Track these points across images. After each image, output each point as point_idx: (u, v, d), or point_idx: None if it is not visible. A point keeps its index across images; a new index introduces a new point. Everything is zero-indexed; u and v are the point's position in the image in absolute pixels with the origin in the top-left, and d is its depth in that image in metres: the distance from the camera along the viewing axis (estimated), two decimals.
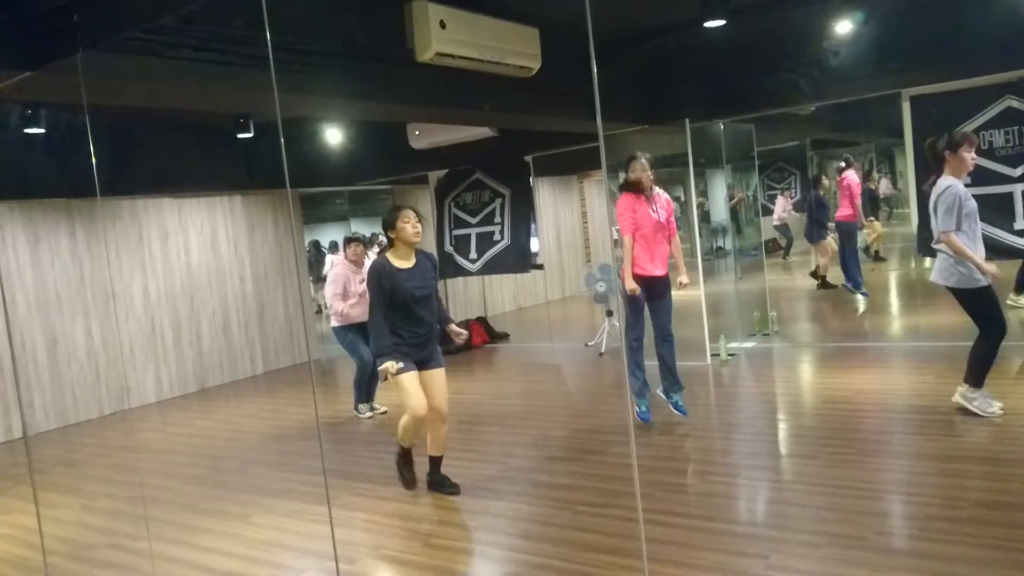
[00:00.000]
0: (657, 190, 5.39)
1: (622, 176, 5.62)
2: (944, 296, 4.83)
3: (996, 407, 4.77)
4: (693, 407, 5.53)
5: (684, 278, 5.48)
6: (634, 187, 5.31)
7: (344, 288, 6.48)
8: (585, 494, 4.34)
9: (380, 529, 4.20)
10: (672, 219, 5.42)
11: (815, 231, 10.10)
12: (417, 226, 4.38)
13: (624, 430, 5.46)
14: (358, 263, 6.56)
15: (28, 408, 7.41)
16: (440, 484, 4.59)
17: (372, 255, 6.80)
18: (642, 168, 5.30)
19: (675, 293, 5.44)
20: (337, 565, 3.69)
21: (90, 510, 5.02)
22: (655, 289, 5.32)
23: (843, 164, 9.96)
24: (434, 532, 4.06)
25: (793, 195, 12.39)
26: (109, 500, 5.20)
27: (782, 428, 5.33)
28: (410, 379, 4.31)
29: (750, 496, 4.17)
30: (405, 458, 4.69)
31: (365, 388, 6.68)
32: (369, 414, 6.66)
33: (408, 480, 4.69)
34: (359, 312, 6.29)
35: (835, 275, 9.94)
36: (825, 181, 10.51)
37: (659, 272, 5.30)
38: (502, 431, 5.92)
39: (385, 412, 6.61)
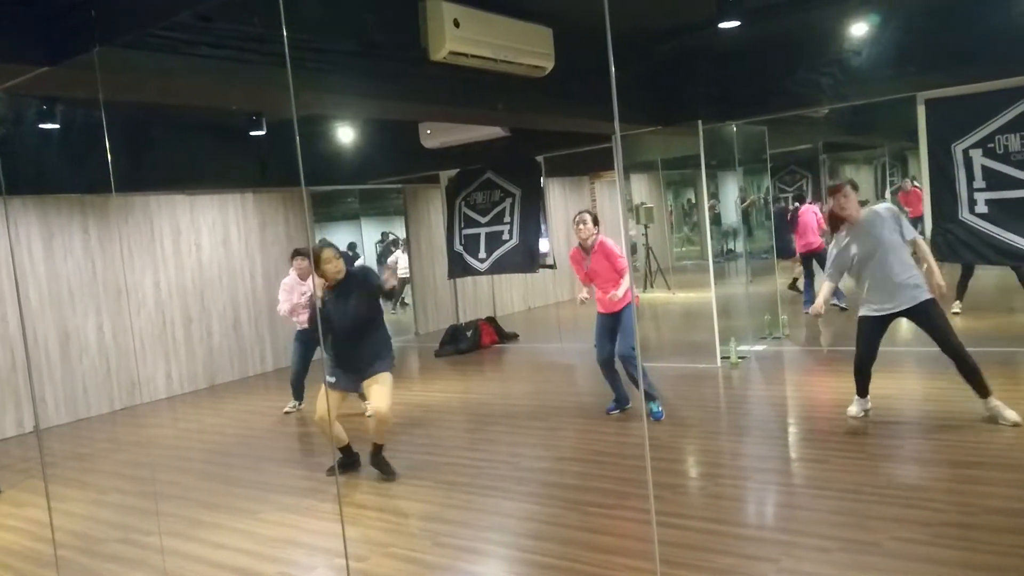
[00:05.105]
0: (601, 240, 5.66)
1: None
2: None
3: (853, 411, 5.18)
4: (703, 409, 5.52)
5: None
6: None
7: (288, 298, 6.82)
8: (595, 495, 4.33)
9: (390, 527, 4.20)
10: (617, 259, 5.67)
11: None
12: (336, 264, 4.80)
13: (635, 431, 5.46)
14: (303, 276, 6.80)
15: (40, 402, 7.45)
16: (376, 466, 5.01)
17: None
18: (581, 221, 5.66)
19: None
20: (348, 563, 3.69)
21: (101, 504, 5.04)
22: (614, 316, 5.71)
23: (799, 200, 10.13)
24: (444, 531, 4.06)
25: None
26: (120, 495, 5.22)
27: (792, 431, 5.31)
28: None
29: (761, 499, 4.16)
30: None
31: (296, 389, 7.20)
32: (288, 409, 7.16)
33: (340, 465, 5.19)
34: (301, 319, 6.67)
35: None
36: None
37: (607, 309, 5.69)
38: (511, 431, 5.91)
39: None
